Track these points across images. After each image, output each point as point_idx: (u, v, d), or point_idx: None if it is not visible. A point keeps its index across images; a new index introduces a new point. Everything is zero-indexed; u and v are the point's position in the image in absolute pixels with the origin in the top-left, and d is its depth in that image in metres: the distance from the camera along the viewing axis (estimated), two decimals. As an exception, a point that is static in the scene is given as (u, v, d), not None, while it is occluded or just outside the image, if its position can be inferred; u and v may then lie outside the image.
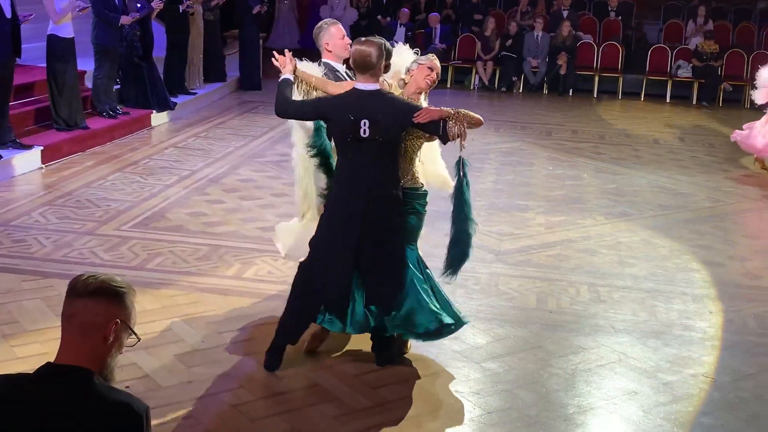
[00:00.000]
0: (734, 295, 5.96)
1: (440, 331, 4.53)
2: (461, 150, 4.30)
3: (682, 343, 5.15)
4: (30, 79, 9.26)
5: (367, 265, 4.40)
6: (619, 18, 16.11)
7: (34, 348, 4.56)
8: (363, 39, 4.35)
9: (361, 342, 4.87)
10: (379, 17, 15.85)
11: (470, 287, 5.85)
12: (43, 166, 8.32)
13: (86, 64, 9.72)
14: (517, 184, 8.71)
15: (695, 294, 5.96)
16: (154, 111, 10.50)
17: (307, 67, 4.66)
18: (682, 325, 5.44)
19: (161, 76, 10.91)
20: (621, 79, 14.83)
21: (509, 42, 14.73)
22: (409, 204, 4.51)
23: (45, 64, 8.89)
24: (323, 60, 4.87)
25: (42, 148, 8.40)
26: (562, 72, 14.60)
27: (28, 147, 8.28)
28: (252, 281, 5.78)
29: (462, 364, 4.74)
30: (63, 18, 8.67)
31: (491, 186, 8.60)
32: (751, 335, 5.35)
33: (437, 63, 4.69)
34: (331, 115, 4.31)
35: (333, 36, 4.85)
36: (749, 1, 16.75)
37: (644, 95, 14.71)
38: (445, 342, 4.95)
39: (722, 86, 14.44)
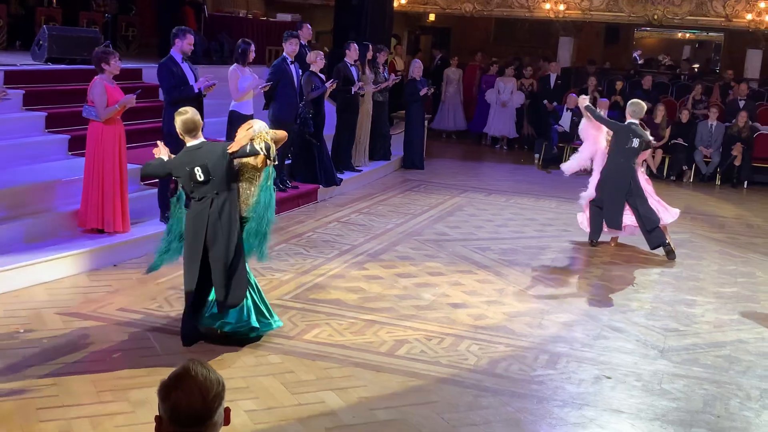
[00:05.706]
0: None
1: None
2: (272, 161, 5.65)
3: None
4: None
5: None
6: (800, 108, 15.30)
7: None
8: None
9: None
10: (545, 102, 15.85)
11: (631, 383, 5.57)
12: (215, 233, 8.74)
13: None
14: (685, 278, 8.30)
15: None
16: (321, 186, 10.88)
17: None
18: None
19: (329, 153, 11.33)
20: (801, 172, 13.99)
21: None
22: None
23: (224, 138, 9.42)
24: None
25: (215, 216, 8.83)
26: (737, 163, 13.97)
27: (204, 215, 8.71)
28: (404, 359, 5.76)
29: (619, 465, 4.48)
30: (244, 96, 9.20)
31: (657, 278, 8.24)
32: None
33: None
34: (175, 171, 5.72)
35: None
36: None
37: (828, 190, 13.79)
38: (602, 440, 4.72)
39: None
